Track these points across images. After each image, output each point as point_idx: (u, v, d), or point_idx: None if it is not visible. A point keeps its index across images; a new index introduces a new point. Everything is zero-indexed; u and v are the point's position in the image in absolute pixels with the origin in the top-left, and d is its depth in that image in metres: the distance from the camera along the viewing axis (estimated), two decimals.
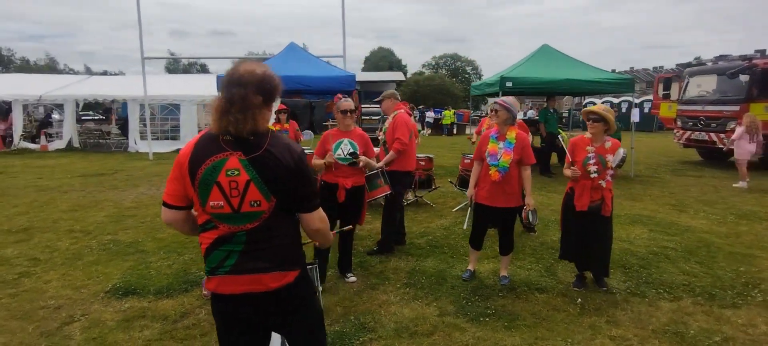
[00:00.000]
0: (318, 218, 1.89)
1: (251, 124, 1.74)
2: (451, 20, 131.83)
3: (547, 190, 8.60)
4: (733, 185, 8.87)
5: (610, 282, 4.08)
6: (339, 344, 3.13)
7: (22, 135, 14.85)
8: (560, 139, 12.15)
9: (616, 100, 25.26)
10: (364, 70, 60.94)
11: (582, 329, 3.34)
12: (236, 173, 1.73)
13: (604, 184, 3.82)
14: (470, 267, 4.31)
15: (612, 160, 3.82)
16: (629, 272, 4.39)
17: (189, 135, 14.02)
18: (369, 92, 32.72)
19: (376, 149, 5.60)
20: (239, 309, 1.87)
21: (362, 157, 3.97)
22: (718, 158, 12.24)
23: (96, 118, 21.99)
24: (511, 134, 3.95)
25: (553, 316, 3.53)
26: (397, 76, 33.22)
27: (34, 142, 15.21)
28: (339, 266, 4.24)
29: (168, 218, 1.90)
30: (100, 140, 16.25)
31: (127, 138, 15.42)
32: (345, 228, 2.73)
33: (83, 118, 19.84)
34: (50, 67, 44.43)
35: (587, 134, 3.94)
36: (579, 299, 3.79)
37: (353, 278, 4.16)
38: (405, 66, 72.99)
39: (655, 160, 12.96)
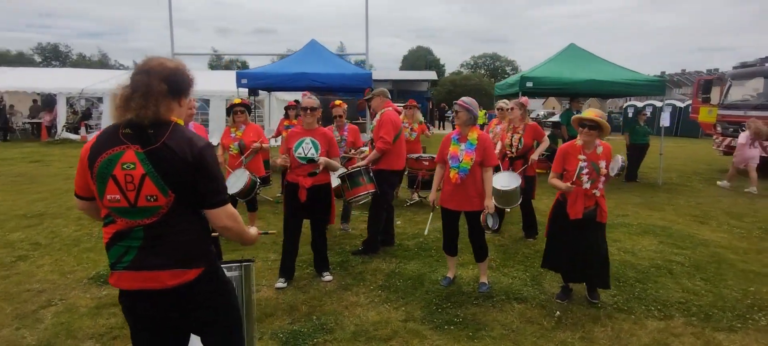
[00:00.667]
0: (224, 215, 1.84)
1: (153, 112, 1.72)
2: (491, 20, 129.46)
3: None
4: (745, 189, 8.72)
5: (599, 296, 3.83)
6: (292, 342, 3.09)
7: (64, 126, 15.74)
8: None
9: (639, 104, 24.08)
10: (401, 69, 60.96)
11: (551, 345, 3.15)
12: (132, 166, 1.71)
13: (597, 193, 3.61)
14: (449, 273, 4.16)
15: (609, 168, 3.60)
16: (622, 286, 4.11)
17: (217, 130, 14.40)
18: (402, 91, 32.75)
19: (365, 149, 5.55)
20: (138, 306, 1.85)
21: (322, 159, 3.87)
22: (760, 167, 11.36)
23: None
24: (473, 135, 3.80)
25: (524, 329, 3.34)
26: (430, 75, 33.04)
27: (76, 133, 16.09)
28: (315, 266, 4.20)
29: (80, 207, 1.92)
30: None
31: None
32: (269, 231, 2.67)
33: None
34: (102, 63, 47.02)
35: (578, 141, 3.68)
36: (557, 312, 3.58)
37: (329, 277, 4.11)
38: (443, 65, 72.43)
39: (691, 168, 12.19)
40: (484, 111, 25.77)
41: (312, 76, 10.12)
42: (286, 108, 7.72)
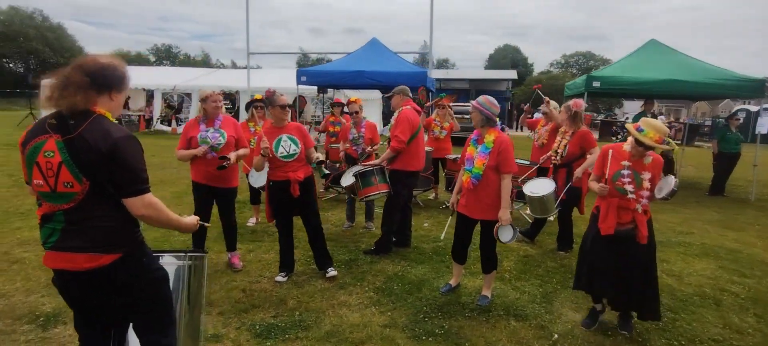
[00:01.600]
0: (140, 204, 1.90)
1: (69, 102, 1.83)
2: (588, 16, 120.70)
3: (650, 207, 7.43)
4: None
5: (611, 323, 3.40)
6: (265, 335, 3.13)
7: (158, 118, 17.52)
8: (670, 151, 10.53)
9: (754, 108, 20.86)
10: (486, 68, 59.40)
11: None
12: (52, 154, 1.83)
13: (639, 208, 3.10)
14: (451, 281, 3.95)
15: (657, 188, 3.10)
16: None
17: None
18: (480, 90, 31.88)
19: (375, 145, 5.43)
20: (69, 286, 1.98)
21: (315, 155, 3.89)
22: None
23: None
24: (490, 138, 3.51)
25: None
26: (510, 74, 31.68)
27: (168, 125, 17.84)
28: (316, 263, 4.21)
29: (29, 192, 2.10)
30: None
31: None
32: (205, 223, 2.61)
33: None
34: (204, 62, 51.57)
35: (626, 146, 3.20)
36: (556, 335, 3.24)
37: (333, 273, 4.08)
38: (531, 64, 69.31)
39: None
40: None
41: (368, 73, 10.22)
42: (332, 105, 7.86)
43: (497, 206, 3.51)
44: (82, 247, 1.88)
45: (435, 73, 39.11)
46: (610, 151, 3.26)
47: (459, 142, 9.31)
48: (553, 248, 5.15)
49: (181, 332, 2.39)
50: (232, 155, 3.92)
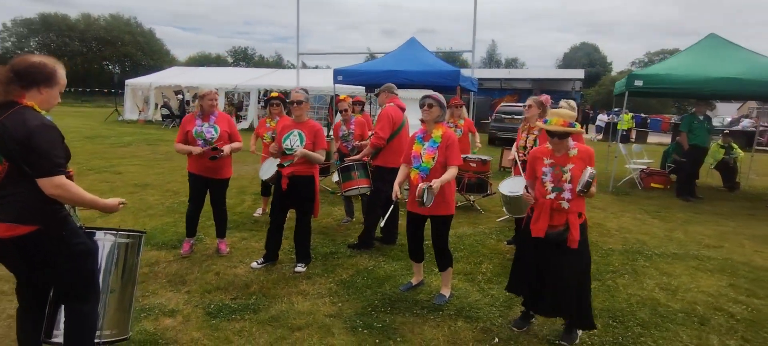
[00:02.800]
0: (49, 184, 2.17)
1: None
2: (684, 10, 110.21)
3: (682, 219, 6.86)
4: None
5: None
6: (214, 314, 3.35)
7: None
8: (732, 157, 9.55)
9: None
10: (560, 67, 56.76)
11: None
12: None
13: (566, 205, 2.98)
14: (413, 279, 3.95)
15: (579, 178, 2.94)
16: (614, 327, 3.37)
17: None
18: (545, 91, 30.56)
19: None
20: (4, 255, 2.31)
21: (299, 151, 3.95)
22: None
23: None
24: (437, 133, 3.48)
25: None
26: (577, 74, 30.06)
27: None
28: (295, 255, 4.35)
29: None
30: None
31: None
32: (123, 201, 2.64)
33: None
34: (276, 63, 54.26)
35: (548, 144, 3.14)
36: (496, 339, 3.15)
37: (300, 269, 4.17)
38: (609, 63, 65.06)
39: None
40: (630, 114, 22.53)
41: (402, 73, 10.28)
42: (354, 103, 8.03)
43: (446, 201, 3.48)
44: (2, 218, 2.19)
45: (497, 73, 38.10)
46: (534, 155, 3.17)
47: (508, 143, 9.04)
48: None
49: (111, 304, 2.67)
50: (226, 148, 4.23)
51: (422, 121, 3.56)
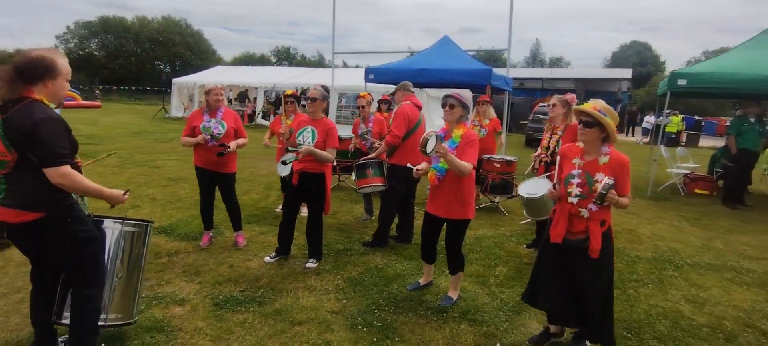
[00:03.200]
0: (55, 174, 2.29)
1: (4, 93, 2.29)
2: (744, 5, 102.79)
3: (725, 227, 6.43)
4: None
5: None
6: (221, 305, 3.43)
7: (259, 113, 19.33)
8: None
9: None
10: (608, 66, 54.53)
11: None
12: None
13: (585, 214, 2.76)
14: (421, 280, 3.90)
15: (599, 186, 2.69)
16: (627, 339, 3.19)
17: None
18: (590, 92, 29.47)
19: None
20: (11, 236, 2.47)
21: (304, 147, 3.96)
22: None
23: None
24: (458, 133, 3.38)
25: None
26: (623, 73, 28.75)
27: (268, 119, 19.56)
28: (308, 250, 4.41)
29: None
30: None
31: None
32: (127, 191, 2.73)
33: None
34: (318, 63, 55.11)
35: (580, 143, 2.91)
36: (498, 345, 3.05)
37: (311, 265, 4.21)
38: (662, 63, 61.78)
39: None
40: (679, 116, 21.28)
41: (433, 71, 10.20)
42: (380, 102, 8.02)
43: (461, 203, 3.41)
44: (12, 205, 2.33)
45: (539, 72, 37.02)
46: (565, 152, 2.96)
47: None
48: None
49: (117, 289, 2.79)
50: (232, 144, 4.34)
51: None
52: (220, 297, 3.56)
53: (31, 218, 2.33)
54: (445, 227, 3.58)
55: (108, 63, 41.18)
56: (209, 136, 4.32)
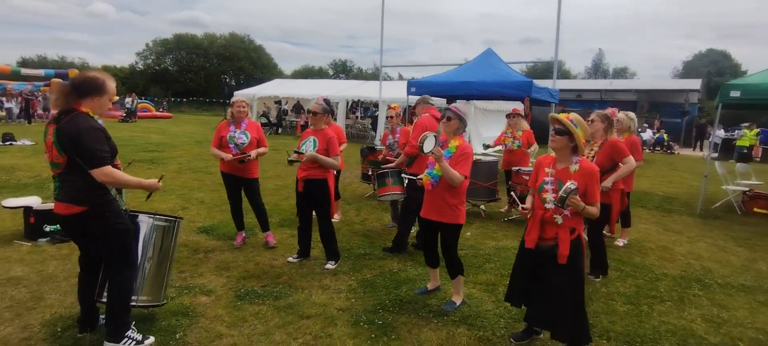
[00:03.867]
0: (99, 173, 2.73)
1: (60, 103, 2.78)
2: None
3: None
4: None
5: None
6: (241, 297, 3.79)
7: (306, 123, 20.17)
8: None
9: None
10: (681, 76, 51.30)
11: None
12: (51, 137, 2.81)
13: (559, 220, 2.92)
14: (428, 285, 4.06)
15: (560, 190, 2.82)
16: None
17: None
18: (654, 103, 27.90)
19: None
20: (63, 226, 2.96)
21: (308, 153, 4.28)
22: None
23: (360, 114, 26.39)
24: (454, 143, 3.58)
25: None
26: (692, 84, 26.92)
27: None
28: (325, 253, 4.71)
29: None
30: (357, 133, 20.29)
31: (375, 131, 18.73)
32: (161, 178, 3.15)
33: (354, 114, 24.55)
34: (374, 75, 56.21)
35: (551, 149, 3.13)
36: None
37: (330, 266, 4.50)
38: (744, 72, 57.01)
39: None
40: (756, 129, 19.62)
41: (474, 84, 10.32)
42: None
43: (453, 209, 3.57)
44: (62, 199, 2.81)
45: (598, 83, 35.53)
46: (540, 162, 3.16)
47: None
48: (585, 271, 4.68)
49: (147, 276, 3.21)
50: (253, 153, 4.78)
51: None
52: (242, 290, 3.93)
53: (77, 210, 2.78)
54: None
55: (180, 77, 44.57)
56: (233, 145, 4.75)
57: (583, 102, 28.13)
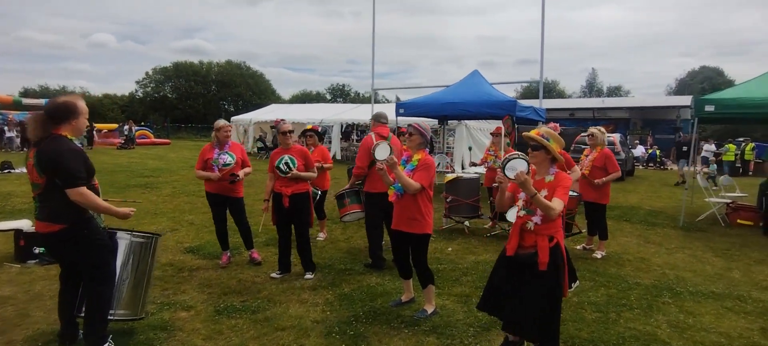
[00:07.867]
0: (74, 193, 2.89)
1: (39, 133, 2.96)
2: None
3: (756, 259, 6.09)
4: None
5: None
6: (220, 312, 3.90)
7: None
8: None
9: None
10: (671, 93, 51.83)
11: None
12: (31, 159, 2.98)
13: (530, 226, 3.04)
14: (402, 297, 4.17)
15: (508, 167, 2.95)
16: None
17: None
18: (647, 121, 28.22)
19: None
20: (44, 244, 3.11)
21: (292, 172, 4.55)
22: None
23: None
24: (417, 157, 3.78)
25: None
26: (682, 100, 27.23)
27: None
28: (302, 266, 4.85)
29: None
30: (352, 155, 20.51)
31: None
32: (135, 203, 3.40)
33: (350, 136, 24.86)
34: (371, 99, 56.92)
35: (531, 161, 3.18)
36: None
37: (309, 276, 4.71)
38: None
39: None
40: (752, 144, 19.77)
41: (460, 104, 10.54)
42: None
43: (418, 219, 3.71)
44: (43, 218, 2.96)
45: (590, 102, 35.93)
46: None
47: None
48: None
49: (126, 290, 3.34)
50: (241, 172, 4.97)
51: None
52: (222, 305, 4.04)
53: (57, 228, 2.94)
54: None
55: (179, 104, 45.10)
56: (225, 173, 4.93)
57: (576, 120, 28.49)
